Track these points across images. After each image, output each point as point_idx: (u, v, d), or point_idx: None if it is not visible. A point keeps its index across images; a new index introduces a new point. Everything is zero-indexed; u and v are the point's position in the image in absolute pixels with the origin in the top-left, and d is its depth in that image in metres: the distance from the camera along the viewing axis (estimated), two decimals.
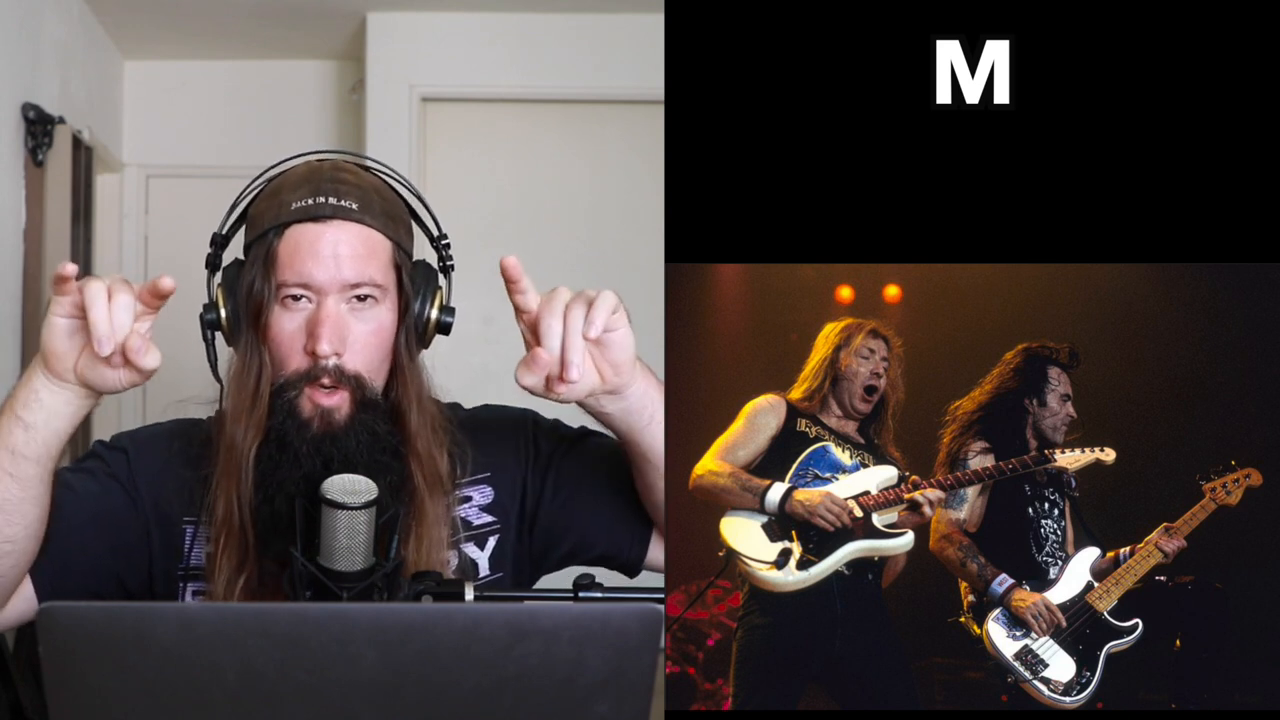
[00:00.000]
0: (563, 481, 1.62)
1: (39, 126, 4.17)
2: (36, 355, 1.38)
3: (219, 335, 1.53)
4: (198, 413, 1.62)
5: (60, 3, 4.56)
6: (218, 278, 1.54)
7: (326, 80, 5.58)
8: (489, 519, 1.62)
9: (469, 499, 1.62)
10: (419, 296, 1.55)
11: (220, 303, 1.51)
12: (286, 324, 1.48)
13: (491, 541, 1.61)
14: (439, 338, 1.60)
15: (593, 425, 1.56)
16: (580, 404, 1.45)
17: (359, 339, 1.49)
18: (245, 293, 1.50)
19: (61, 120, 4.29)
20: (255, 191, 1.57)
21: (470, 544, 1.60)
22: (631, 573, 1.64)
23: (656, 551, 1.63)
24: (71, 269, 1.32)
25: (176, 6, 4.95)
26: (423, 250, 1.62)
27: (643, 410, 1.45)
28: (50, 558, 1.47)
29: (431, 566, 1.50)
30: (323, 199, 1.49)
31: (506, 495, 1.62)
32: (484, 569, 1.60)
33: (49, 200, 4.26)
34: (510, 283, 1.38)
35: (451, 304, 1.58)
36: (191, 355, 1.61)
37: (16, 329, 4.13)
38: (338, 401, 1.48)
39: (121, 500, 1.55)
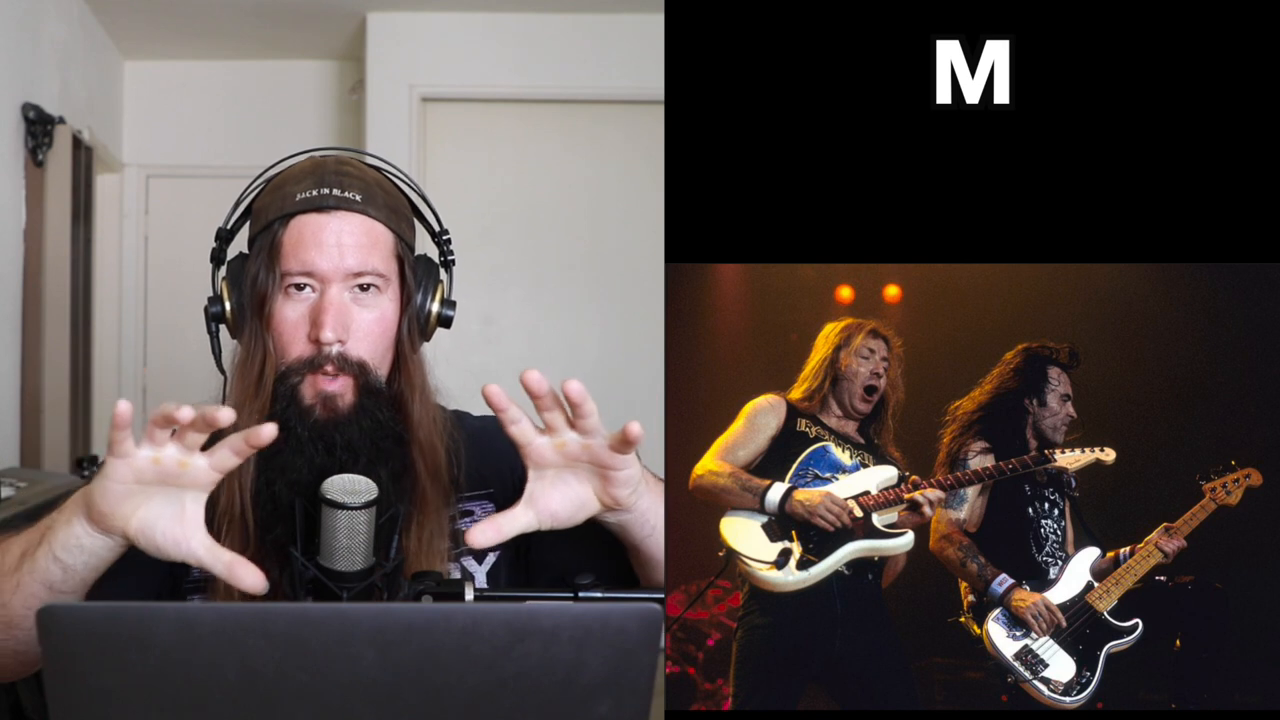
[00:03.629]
0: None
1: (39, 126, 4.17)
2: (77, 498, 1.34)
3: (223, 329, 1.53)
4: None
5: (60, 3, 4.57)
6: (222, 271, 1.55)
7: (326, 80, 5.58)
8: None
9: (471, 513, 1.61)
10: (420, 289, 1.56)
11: (225, 295, 1.52)
12: (290, 312, 1.49)
13: (490, 557, 1.61)
14: (440, 337, 1.60)
15: None
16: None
17: (362, 327, 1.49)
18: (249, 283, 1.51)
19: (61, 120, 4.29)
20: (259, 187, 1.58)
21: (469, 558, 1.60)
22: None
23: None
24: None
25: (176, 6, 4.95)
26: (424, 247, 1.63)
27: (644, 524, 1.45)
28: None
29: (433, 556, 1.50)
30: (327, 190, 1.50)
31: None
32: (481, 584, 1.60)
33: (49, 200, 4.26)
34: (499, 411, 1.35)
35: (452, 298, 1.59)
36: (192, 357, 1.61)
37: (16, 328, 4.14)
38: (340, 388, 1.48)
39: None
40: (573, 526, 1.53)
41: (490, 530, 1.37)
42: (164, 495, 1.31)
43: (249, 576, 1.31)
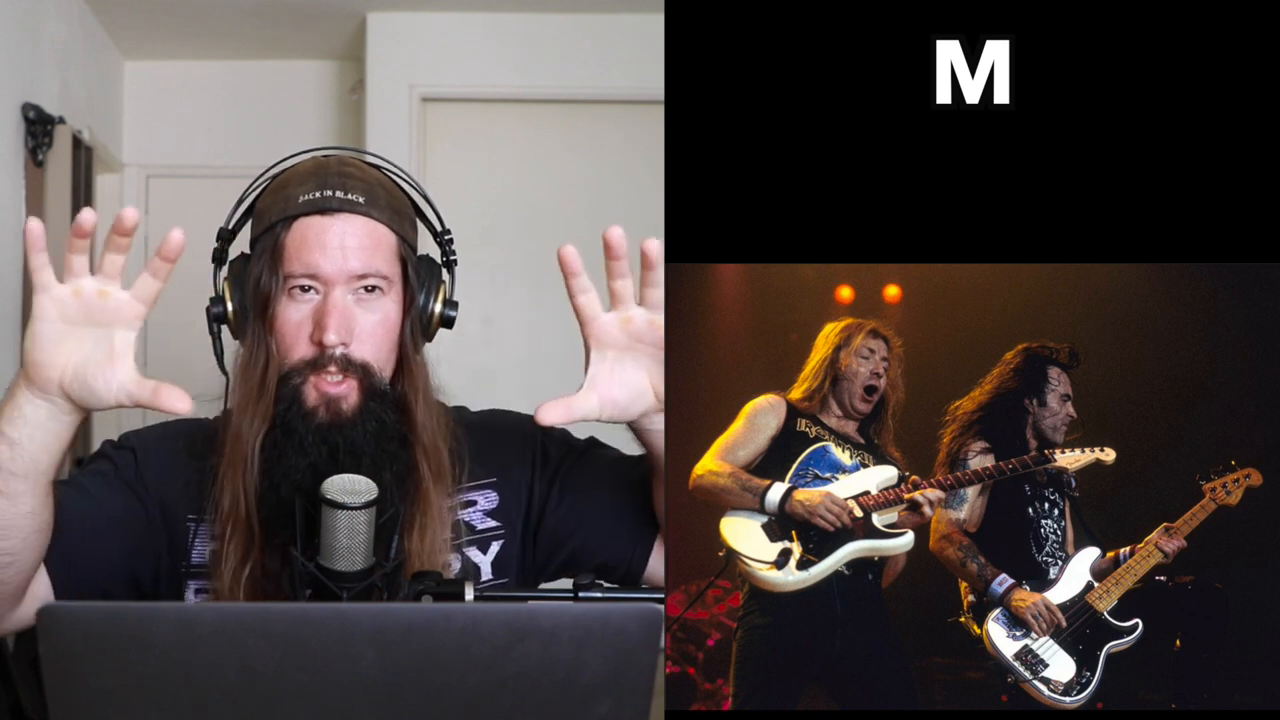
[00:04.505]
0: (568, 489, 1.62)
1: (39, 126, 4.17)
2: (21, 369, 1.35)
3: (225, 329, 1.54)
4: (203, 411, 1.62)
5: (60, 3, 4.57)
6: (224, 271, 1.55)
7: (326, 80, 5.58)
8: (493, 524, 1.62)
9: (474, 503, 1.62)
10: (423, 290, 1.56)
11: (227, 296, 1.53)
12: (293, 314, 1.50)
13: (495, 546, 1.61)
14: (440, 337, 1.60)
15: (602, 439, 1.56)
16: (630, 425, 1.45)
17: (365, 329, 1.50)
18: (252, 285, 1.51)
19: (61, 120, 4.29)
20: (261, 187, 1.58)
21: (473, 548, 1.60)
22: (632, 584, 1.64)
23: (657, 564, 1.62)
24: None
25: (176, 6, 4.96)
26: (425, 246, 1.63)
27: None
28: (67, 560, 1.47)
29: (434, 558, 1.51)
30: (330, 192, 1.51)
31: (512, 501, 1.62)
32: (486, 573, 1.60)
33: (49, 200, 4.26)
34: (572, 275, 1.38)
35: (454, 298, 1.60)
36: (195, 353, 1.61)
37: (16, 328, 4.13)
38: (345, 390, 1.48)
39: (131, 502, 1.55)
40: (582, 494, 1.52)
41: (560, 409, 1.37)
42: (93, 339, 1.32)
43: (172, 398, 1.31)
